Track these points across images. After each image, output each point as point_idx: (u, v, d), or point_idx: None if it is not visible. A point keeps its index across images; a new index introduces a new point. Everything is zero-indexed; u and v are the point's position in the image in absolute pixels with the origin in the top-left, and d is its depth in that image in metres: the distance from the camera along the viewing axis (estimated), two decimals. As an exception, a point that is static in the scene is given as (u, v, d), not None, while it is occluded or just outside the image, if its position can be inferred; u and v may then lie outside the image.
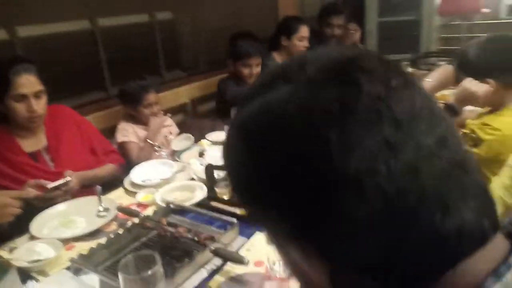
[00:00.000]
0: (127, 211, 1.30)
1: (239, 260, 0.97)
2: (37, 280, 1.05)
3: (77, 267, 1.06)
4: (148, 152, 1.90)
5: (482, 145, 1.38)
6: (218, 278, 1.00)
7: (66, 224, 1.30)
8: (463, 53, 1.46)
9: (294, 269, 0.41)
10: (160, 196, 1.41)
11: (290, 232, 0.37)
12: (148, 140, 1.97)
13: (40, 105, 1.56)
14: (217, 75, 3.09)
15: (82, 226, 1.30)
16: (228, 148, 0.41)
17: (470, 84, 1.37)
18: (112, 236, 1.15)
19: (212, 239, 1.08)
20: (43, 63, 1.70)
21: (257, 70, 2.54)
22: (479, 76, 1.39)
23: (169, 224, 1.20)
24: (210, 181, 1.40)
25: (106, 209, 1.38)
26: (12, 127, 1.60)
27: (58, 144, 1.67)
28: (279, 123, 0.35)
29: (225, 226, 1.18)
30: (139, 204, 1.42)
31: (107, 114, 2.39)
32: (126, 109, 2.12)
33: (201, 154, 1.77)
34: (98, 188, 1.50)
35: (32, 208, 1.38)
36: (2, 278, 0.92)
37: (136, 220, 1.25)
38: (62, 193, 1.45)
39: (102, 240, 1.16)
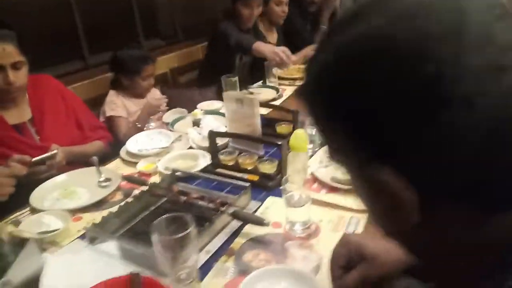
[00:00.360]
0: (134, 180, 1.27)
1: (260, 222, 0.99)
2: (51, 252, 1.03)
3: (92, 236, 1.04)
4: (134, 132, 1.80)
5: None
6: (239, 240, 1.02)
7: (68, 195, 1.27)
8: None
9: (379, 197, 0.41)
10: (163, 165, 1.39)
11: (388, 154, 0.38)
12: (137, 124, 1.89)
13: (18, 77, 1.47)
14: (197, 44, 3.03)
15: (85, 197, 1.27)
16: (320, 75, 0.41)
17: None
18: (122, 204, 1.13)
19: (227, 203, 1.09)
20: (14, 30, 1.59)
21: (258, 11, 2.40)
22: None
23: (179, 191, 1.19)
24: (213, 148, 1.40)
25: (107, 179, 1.34)
26: (-6, 99, 1.51)
27: (42, 116, 1.59)
28: (392, 46, 0.36)
29: (236, 191, 1.19)
30: (141, 174, 1.40)
31: (86, 85, 2.29)
32: (119, 79, 2.02)
33: (195, 123, 1.75)
34: (94, 158, 1.46)
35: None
36: (19, 251, 0.89)
37: (142, 189, 1.23)
38: (46, 167, 1.38)
39: (112, 209, 1.14)
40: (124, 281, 0.75)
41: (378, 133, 0.37)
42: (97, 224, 1.05)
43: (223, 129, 1.64)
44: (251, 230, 1.04)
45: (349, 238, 0.76)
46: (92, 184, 1.34)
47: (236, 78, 1.93)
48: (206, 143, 1.54)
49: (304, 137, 1.21)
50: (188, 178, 1.31)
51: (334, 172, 1.23)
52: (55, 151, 1.37)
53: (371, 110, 0.37)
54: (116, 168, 1.48)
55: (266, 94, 2.12)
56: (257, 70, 2.47)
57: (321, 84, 0.41)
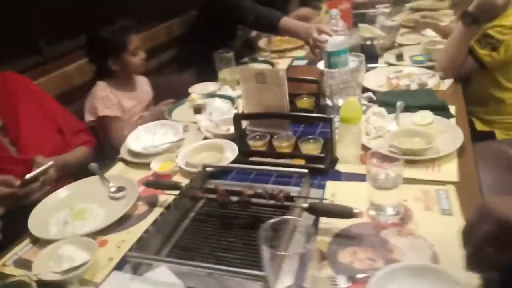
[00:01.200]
0: (160, 185, 1.04)
1: (348, 213, 0.81)
2: (84, 293, 0.79)
3: (135, 263, 0.81)
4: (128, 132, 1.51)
5: (501, 47, 1.40)
6: (321, 239, 0.84)
7: (79, 215, 1.01)
8: None
9: None
10: (184, 161, 1.17)
11: None
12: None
13: None
14: (163, 22, 2.72)
15: (101, 214, 1.02)
16: None
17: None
18: (160, 216, 0.90)
19: (292, 197, 0.90)
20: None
21: None
22: None
23: (225, 190, 0.98)
24: (240, 134, 1.19)
25: (120, 189, 1.10)
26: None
27: (16, 122, 1.28)
28: None
29: (284, 181, 1.01)
30: (157, 175, 1.16)
31: (46, 82, 1.94)
32: (105, 67, 1.70)
33: (197, 110, 1.51)
34: (93, 165, 1.21)
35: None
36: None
37: (170, 194, 1.01)
38: (39, 185, 1.10)
39: (140, 224, 0.92)
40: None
41: None
42: (138, 245, 0.82)
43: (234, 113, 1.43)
44: (327, 224, 0.87)
45: (496, 214, 0.61)
46: (101, 197, 1.09)
47: (232, 54, 1.71)
48: (220, 130, 1.33)
49: (358, 106, 1.04)
50: (219, 173, 1.11)
51: (390, 140, 1.08)
52: (49, 164, 1.10)
53: None
54: (121, 173, 1.23)
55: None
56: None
57: None
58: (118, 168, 1.27)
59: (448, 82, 1.44)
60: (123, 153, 1.31)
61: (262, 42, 2.16)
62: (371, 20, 2.10)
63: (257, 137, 1.19)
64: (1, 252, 0.95)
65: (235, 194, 0.94)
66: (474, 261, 0.60)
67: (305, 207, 0.85)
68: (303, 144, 1.12)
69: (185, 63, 2.31)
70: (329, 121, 1.05)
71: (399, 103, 1.25)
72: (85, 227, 0.97)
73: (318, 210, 0.84)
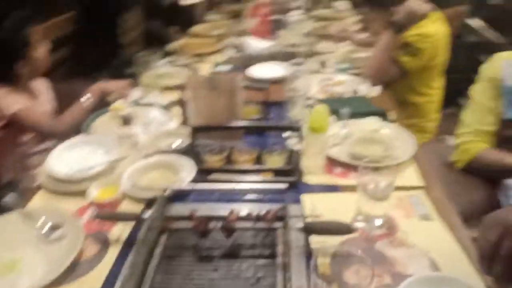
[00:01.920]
0: (119, 216, 0.86)
1: (347, 229, 0.78)
2: None
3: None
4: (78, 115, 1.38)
5: (420, 54, 1.53)
6: (320, 260, 0.78)
7: (11, 268, 0.77)
8: None
9: None
10: (131, 184, 0.99)
11: None
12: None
13: None
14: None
15: (39, 263, 0.79)
16: None
17: (414, 4, 1.43)
18: (132, 260, 0.74)
19: (282, 217, 0.82)
20: None
21: None
22: None
23: (201, 217, 0.85)
24: (197, 149, 1.06)
25: (54, 227, 0.88)
26: None
27: None
28: None
29: (256, 198, 0.93)
30: (98, 205, 0.96)
31: None
32: (9, 69, 1.37)
33: (127, 121, 1.32)
34: (10, 199, 0.95)
35: None
36: None
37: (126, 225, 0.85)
38: None
39: (98, 269, 0.74)
40: None
41: None
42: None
43: (173, 124, 1.30)
44: (317, 243, 0.81)
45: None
46: (32, 239, 0.85)
47: (158, 54, 1.54)
48: (162, 145, 1.18)
49: (326, 114, 1.01)
50: (176, 196, 0.97)
51: (351, 148, 1.08)
52: None
53: None
54: (47, 206, 0.99)
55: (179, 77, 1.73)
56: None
57: None
58: (39, 199, 1.02)
59: (377, 88, 1.52)
60: (43, 180, 1.06)
61: (178, 44, 2.01)
62: (288, 27, 2.12)
63: (213, 151, 1.08)
64: None
65: (213, 220, 0.83)
66: (507, 279, 0.61)
67: (300, 227, 0.78)
68: (267, 156, 1.05)
69: (82, 63, 2.02)
70: (297, 130, 1.00)
71: (345, 110, 1.27)
72: (22, 282, 0.74)
73: (315, 229, 0.78)
